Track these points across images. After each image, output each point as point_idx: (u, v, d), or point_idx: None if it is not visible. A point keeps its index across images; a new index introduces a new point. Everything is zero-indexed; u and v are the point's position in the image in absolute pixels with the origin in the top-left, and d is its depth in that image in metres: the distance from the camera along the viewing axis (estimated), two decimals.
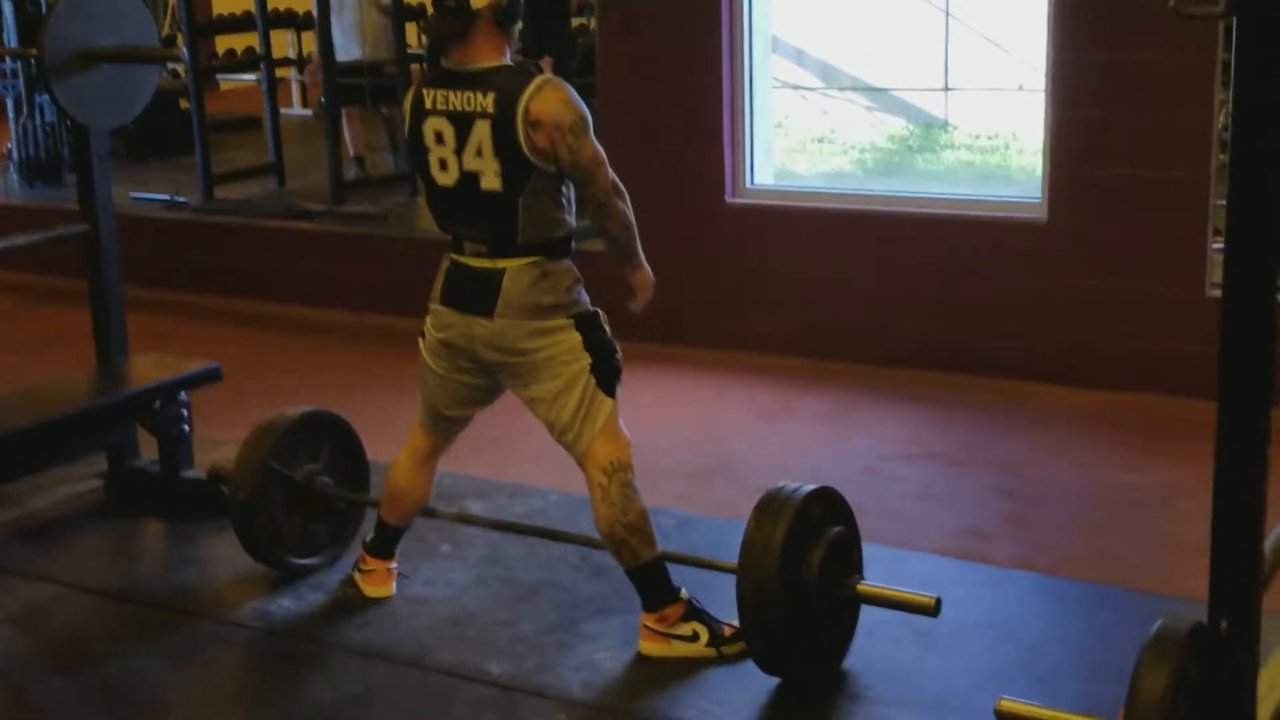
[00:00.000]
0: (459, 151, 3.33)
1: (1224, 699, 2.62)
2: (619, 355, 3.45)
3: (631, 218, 3.46)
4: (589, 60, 6.87)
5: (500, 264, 3.36)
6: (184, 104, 9.31)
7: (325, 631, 3.76)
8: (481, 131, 3.29)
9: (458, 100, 3.32)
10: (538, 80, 3.30)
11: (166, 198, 8.25)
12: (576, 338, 3.37)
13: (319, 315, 7.16)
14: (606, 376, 3.40)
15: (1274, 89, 2.34)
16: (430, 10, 3.40)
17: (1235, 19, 2.31)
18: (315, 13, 8.45)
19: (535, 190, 3.32)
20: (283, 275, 7.51)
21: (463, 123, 3.31)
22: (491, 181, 3.31)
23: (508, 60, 3.38)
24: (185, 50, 4.86)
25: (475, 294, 3.39)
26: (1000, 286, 5.68)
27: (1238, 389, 2.50)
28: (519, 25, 3.41)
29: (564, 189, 3.39)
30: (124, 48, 4.45)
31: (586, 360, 3.38)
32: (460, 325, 3.43)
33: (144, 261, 7.03)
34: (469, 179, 3.34)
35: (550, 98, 3.27)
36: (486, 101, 3.28)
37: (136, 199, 8.16)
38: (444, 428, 3.69)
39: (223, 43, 12.34)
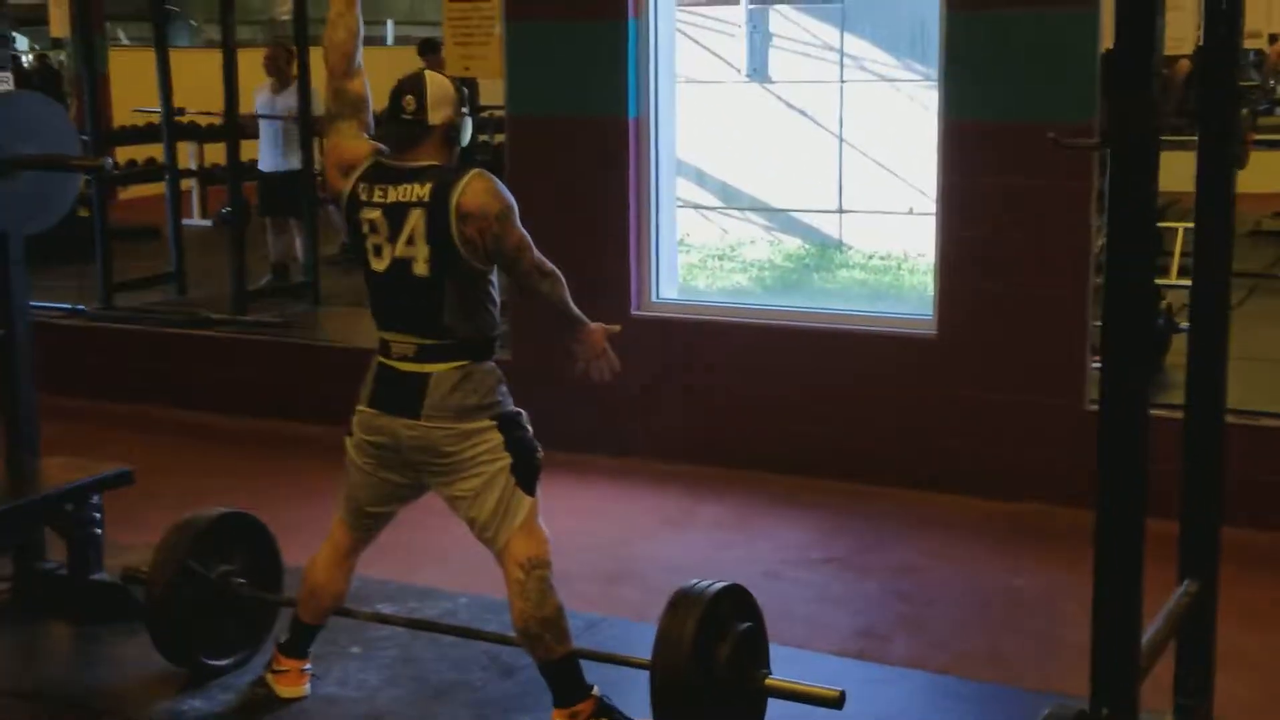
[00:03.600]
0: (392, 239, 3.48)
1: None
2: (539, 454, 3.57)
3: (562, 293, 3.58)
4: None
5: (426, 368, 3.49)
6: (83, 212, 9.34)
7: None
8: (415, 219, 3.44)
9: (395, 193, 3.48)
10: (469, 174, 3.47)
11: (66, 306, 8.25)
12: (498, 437, 3.50)
13: (222, 422, 7.19)
14: (526, 475, 3.52)
15: (1144, 215, 2.57)
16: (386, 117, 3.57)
17: (1109, 150, 2.55)
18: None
19: (462, 281, 3.47)
20: (185, 382, 7.54)
21: (397, 213, 3.47)
22: (421, 268, 3.46)
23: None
24: (110, 160, 4.93)
25: (402, 397, 3.51)
26: (893, 398, 5.91)
27: (1115, 499, 2.69)
28: (461, 146, 3.58)
29: (490, 287, 3.54)
30: (46, 155, 4.53)
31: (507, 460, 3.50)
32: (387, 427, 3.55)
33: (44, 368, 7.02)
34: (400, 265, 3.49)
35: (478, 189, 3.44)
36: (423, 191, 3.45)
37: (34, 306, 8.12)
38: (366, 524, 3.77)
39: (122, 153, 12.39)
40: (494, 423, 3.51)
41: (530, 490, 3.54)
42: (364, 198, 3.52)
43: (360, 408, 3.63)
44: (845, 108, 9.45)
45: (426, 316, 3.49)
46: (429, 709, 3.88)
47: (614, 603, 4.74)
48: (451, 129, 3.53)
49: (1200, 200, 3.27)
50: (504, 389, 3.57)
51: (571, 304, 3.63)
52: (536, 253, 3.53)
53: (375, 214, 3.50)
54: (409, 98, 3.49)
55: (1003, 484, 5.71)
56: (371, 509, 3.73)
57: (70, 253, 9.08)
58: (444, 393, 3.47)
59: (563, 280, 3.59)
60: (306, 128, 8.58)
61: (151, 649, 4.02)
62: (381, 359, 3.59)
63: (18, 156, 4.45)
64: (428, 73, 3.57)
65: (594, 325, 3.70)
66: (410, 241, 3.46)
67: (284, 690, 3.91)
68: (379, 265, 3.52)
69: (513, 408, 3.58)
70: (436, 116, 3.50)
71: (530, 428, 3.59)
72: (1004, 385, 5.71)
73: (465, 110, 3.56)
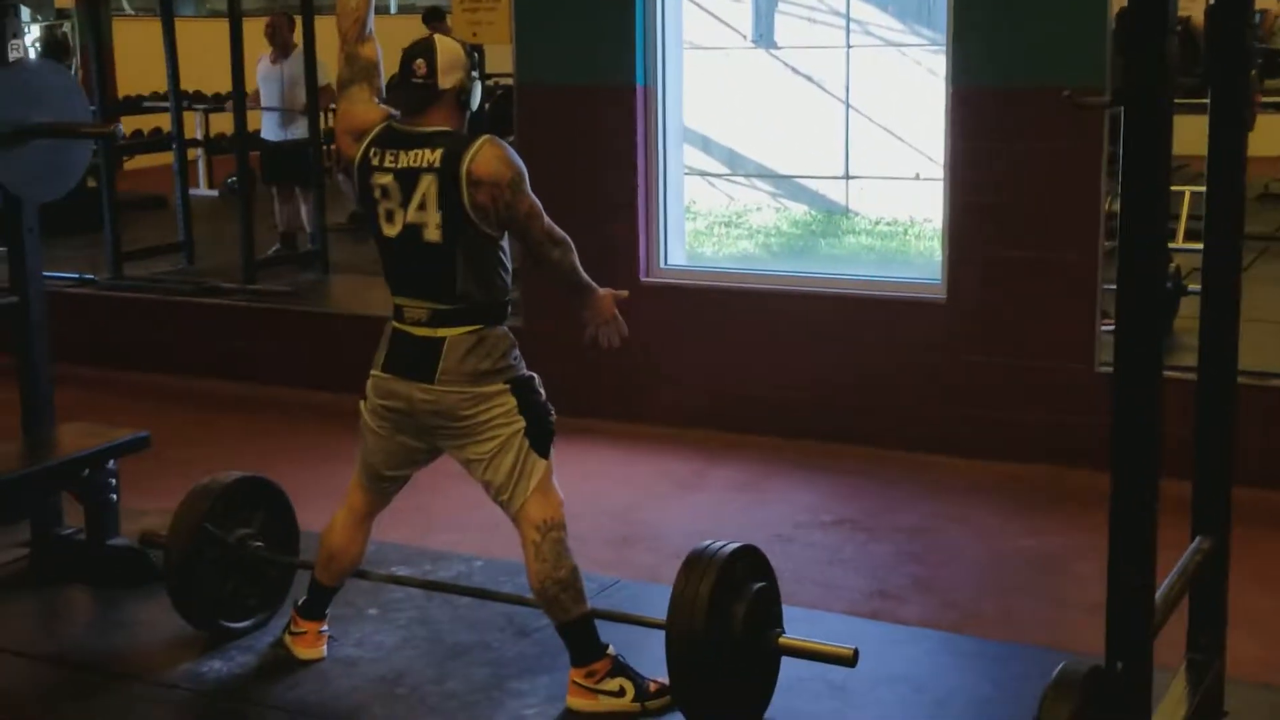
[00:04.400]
0: (404, 205, 3.50)
1: None
2: (553, 417, 3.60)
3: (572, 260, 3.59)
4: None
5: (440, 333, 3.51)
6: (90, 183, 9.35)
7: (257, 692, 3.83)
8: (427, 184, 3.45)
9: (406, 158, 3.48)
10: (480, 140, 3.47)
11: (76, 275, 8.28)
12: (512, 401, 3.52)
13: (232, 390, 7.23)
14: (540, 438, 3.55)
15: (1157, 174, 2.58)
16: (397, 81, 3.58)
17: (1122, 109, 2.56)
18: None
19: (473, 246, 3.48)
20: (194, 351, 7.57)
21: (409, 178, 3.48)
22: (432, 234, 3.47)
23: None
24: (119, 127, 4.94)
25: (416, 361, 3.52)
26: (903, 363, 5.93)
27: (1129, 461, 2.70)
28: (471, 110, 3.59)
29: (501, 251, 3.56)
30: (59, 123, 4.53)
31: (521, 423, 3.52)
32: (402, 391, 3.56)
33: (53, 337, 7.04)
34: (412, 230, 3.50)
35: (489, 156, 3.45)
36: (434, 157, 3.45)
37: (44, 276, 8.14)
38: (382, 487, 3.80)
39: (127, 123, 12.39)
40: (508, 386, 3.53)
41: (544, 453, 3.56)
42: (375, 163, 3.53)
43: (375, 372, 3.64)
44: (852, 73, 9.44)
45: (439, 281, 3.50)
46: (446, 669, 3.92)
47: (628, 565, 4.78)
48: (462, 93, 3.53)
49: (1212, 163, 3.27)
50: (517, 353, 3.59)
51: (581, 271, 3.64)
52: (547, 220, 3.54)
53: (387, 179, 3.51)
54: (420, 62, 3.49)
55: (1013, 447, 5.74)
56: (387, 473, 3.76)
57: (79, 223, 9.14)
58: (458, 357, 3.49)
59: (573, 248, 3.60)
60: (312, 96, 8.59)
61: (170, 612, 4.06)
62: (396, 324, 3.60)
63: (30, 124, 4.46)
64: (437, 37, 3.57)
65: (603, 291, 3.70)
66: (422, 207, 3.47)
67: (302, 651, 3.94)
68: (391, 230, 3.54)
69: (526, 372, 3.59)
70: (447, 81, 3.50)
71: (543, 391, 3.61)
72: (1014, 349, 5.73)
73: (475, 74, 3.57)
